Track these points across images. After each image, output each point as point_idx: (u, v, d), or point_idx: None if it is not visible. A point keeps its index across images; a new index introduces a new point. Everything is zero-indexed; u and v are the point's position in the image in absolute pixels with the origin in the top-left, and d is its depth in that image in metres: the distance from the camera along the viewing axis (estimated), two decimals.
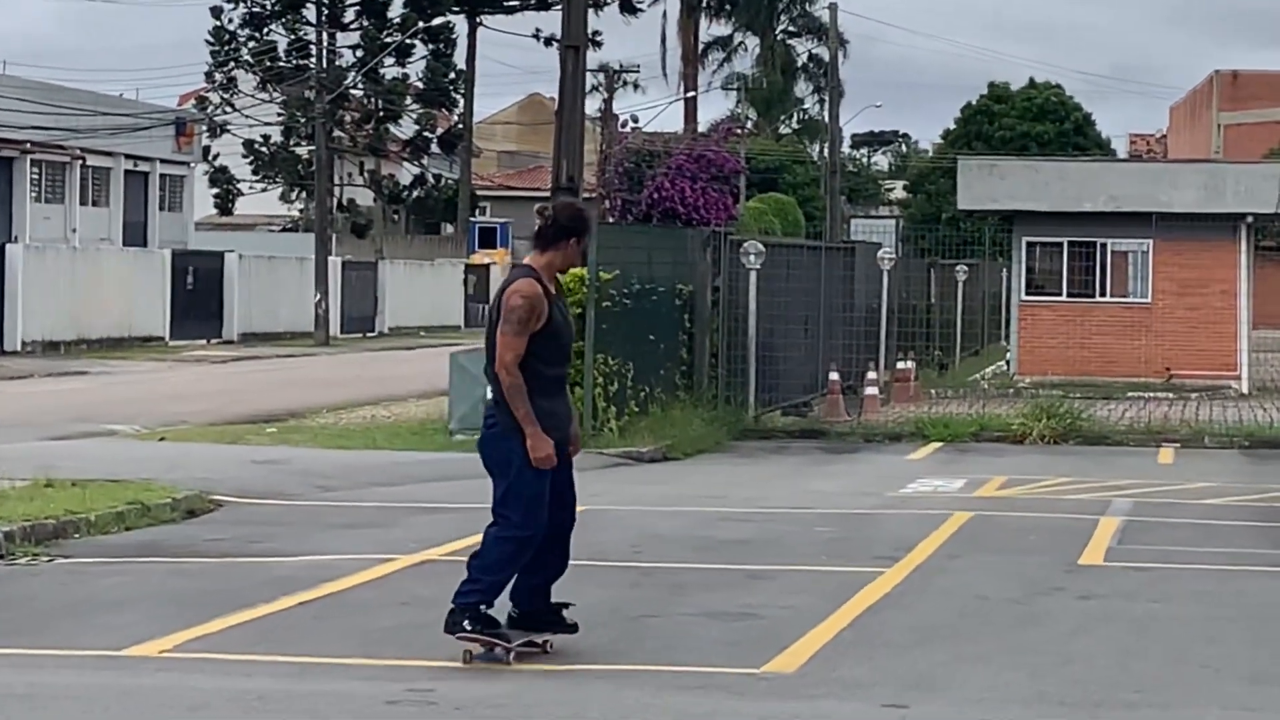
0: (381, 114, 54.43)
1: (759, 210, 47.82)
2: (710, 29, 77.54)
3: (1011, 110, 62.68)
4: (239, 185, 54.94)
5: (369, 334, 54.26)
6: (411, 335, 54.14)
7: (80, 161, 51.58)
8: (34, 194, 50.29)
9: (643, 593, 10.97)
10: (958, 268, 34.85)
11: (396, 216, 69.13)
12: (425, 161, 58.64)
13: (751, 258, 22.85)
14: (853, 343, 27.36)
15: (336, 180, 54.00)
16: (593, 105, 52.54)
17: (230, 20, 51.77)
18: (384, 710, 8.00)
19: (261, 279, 49.50)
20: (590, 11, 39.04)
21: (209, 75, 52.33)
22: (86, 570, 11.75)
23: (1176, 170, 32.00)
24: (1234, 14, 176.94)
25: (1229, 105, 67.26)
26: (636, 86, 70.15)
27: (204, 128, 54.06)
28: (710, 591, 11.02)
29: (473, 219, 68.47)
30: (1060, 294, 30.29)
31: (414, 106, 55.68)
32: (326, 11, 51.45)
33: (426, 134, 56.85)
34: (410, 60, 54.69)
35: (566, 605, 9.21)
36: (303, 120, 51.93)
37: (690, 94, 72.21)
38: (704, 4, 75.51)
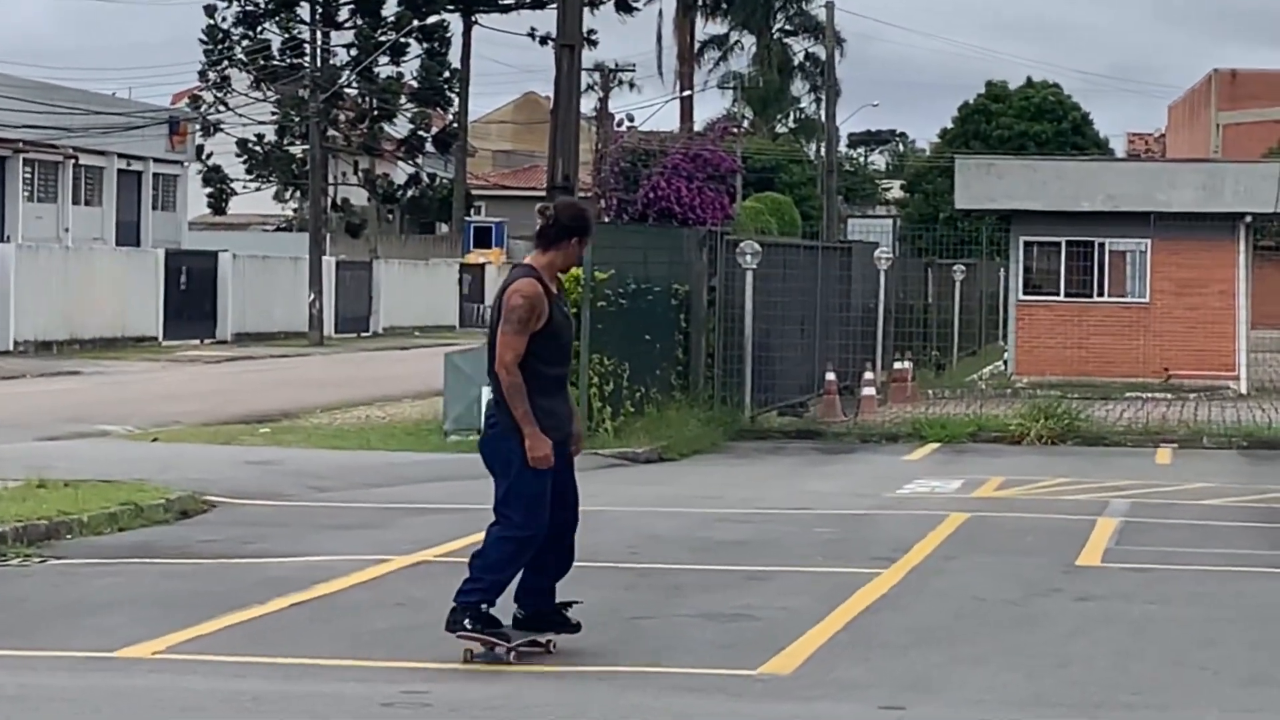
0: (376, 113, 54.37)
1: (755, 210, 47.75)
2: (706, 28, 77.59)
3: (1009, 109, 62.64)
4: (233, 185, 54.84)
5: (363, 334, 54.20)
6: (406, 335, 54.09)
7: (73, 160, 51.51)
8: (26, 193, 50.22)
9: (639, 594, 10.95)
10: (955, 267, 34.80)
11: (391, 216, 69.07)
12: (420, 161, 58.59)
13: (748, 257, 22.80)
14: (849, 343, 27.32)
15: (331, 180, 53.92)
16: (588, 104, 52.49)
17: (224, 19, 51.71)
18: (379, 712, 7.97)
19: (255, 279, 49.43)
20: (586, 10, 39.02)
21: (202, 74, 52.24)
22: (79, 571, 11.73)
23: (1175, 170, 31.97)
24: (1232, 13, 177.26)
25: (1227, 104, 67.24)
26: (632, 85, 70.11)
27: (197, 127, 53.96)
28: (707, 593, 11.01)
29: (468, 218, 68.42)
30: (1058, 294, 30.24)
31: (409, 105, 55.62)
32: (321, 10, 51.38)
33: (421, 133, 56.77)
34: (405, 59, 54.65)
35: (571, 604, 9.21)
36: (297, 119, 51.86)
37: (686, 93, 72.18)
38: (700, 3, 75.49)
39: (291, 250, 53.59)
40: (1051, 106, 62.81)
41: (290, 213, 68.96)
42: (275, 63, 51.61)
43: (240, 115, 51.25)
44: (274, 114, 53.03)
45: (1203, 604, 10.87)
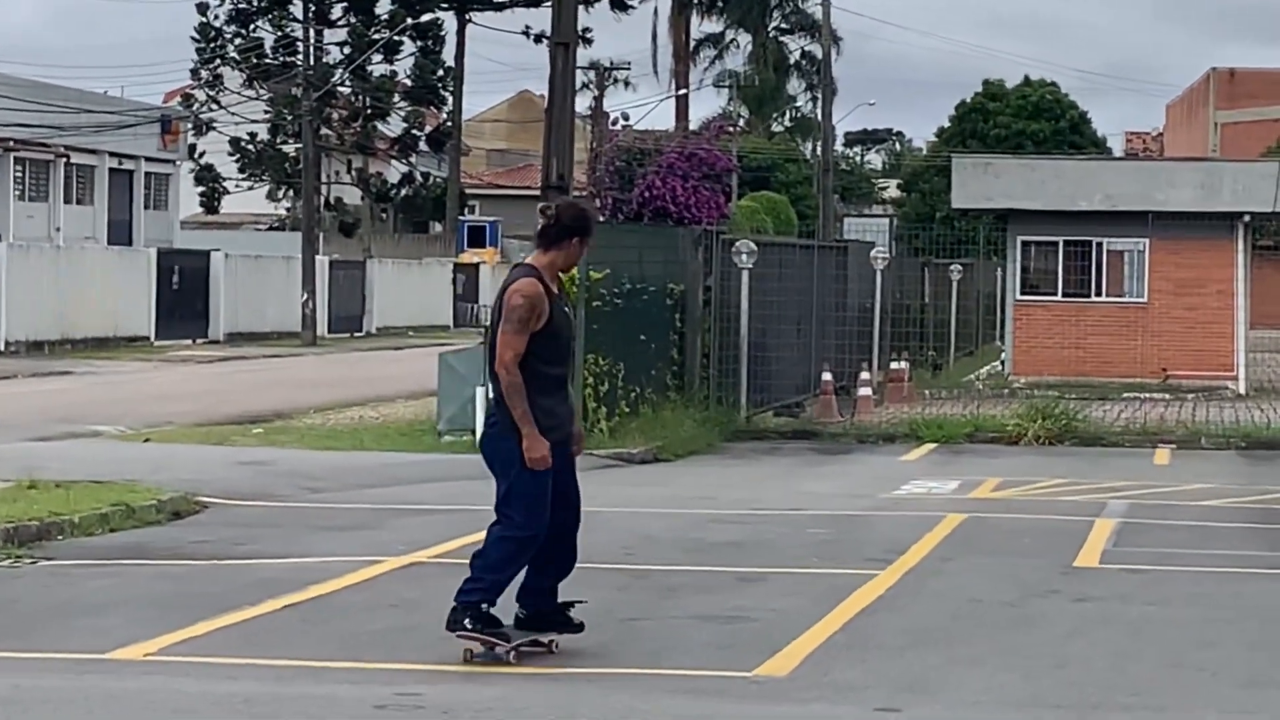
0: (369, 111, 54.29)
1: (751, 209, 47.73)
2: (702, 26, 77.59)
3: (1006, 108, 62.55)
4: (225, 183, 54.76)
5: (357, 334, 54.13)
6: (400, 335, 54.03)
7: (64, 159, 51.41)
8: (17, 192, 50.14)
9: (634, 595, 10.92)
10: (952, 267, 34.75)
11: (384, 215, 69.02)
12: (414, 159, 58.49)
13: (744, 257, 22.75)
14: (846, 343, 27.27)
15: (324, 178, 53.84)
16: (583, 103, 52.56)
17: (216, 17, 51.60)
18: (372, 714, 7.95)
19: (248, 278, 49.35)
20: (581, 8, 38.93)
21: (195, 72, 52.15)
22: (71, 572, 11.69)
23: (1173, 169, 31.92)
24: (1231, 11, 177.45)
25: (1226, 103, 67.24)
26: (627, 84, 70.07)
27: (189, 125, 53.86)
28: (702, 594, 10.99)
29: (462, 218, 68.34)
30: (1055, 294, 30.18)
31: (402, 104, 55.54)
32: (314, 8, 51.28)
33: (415, 132, 56.69)
34: (399, 57, 54.55)
35: (573, 604, 9.22)
36: (290, 118, 51.77)
37: (682, 91, 72.15)
38: (695, 1, 75.45)
39: (284, 250, 53.51)
40: (1049, 105, 62.73)
41: (283, 212, 68.91)
42: (268, 61, 51.53)
43: (233, 114, 51.15)
44: (267, 112, 52.93)
45: (1201, 605, 10.85)
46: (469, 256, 64.00)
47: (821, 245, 30.98)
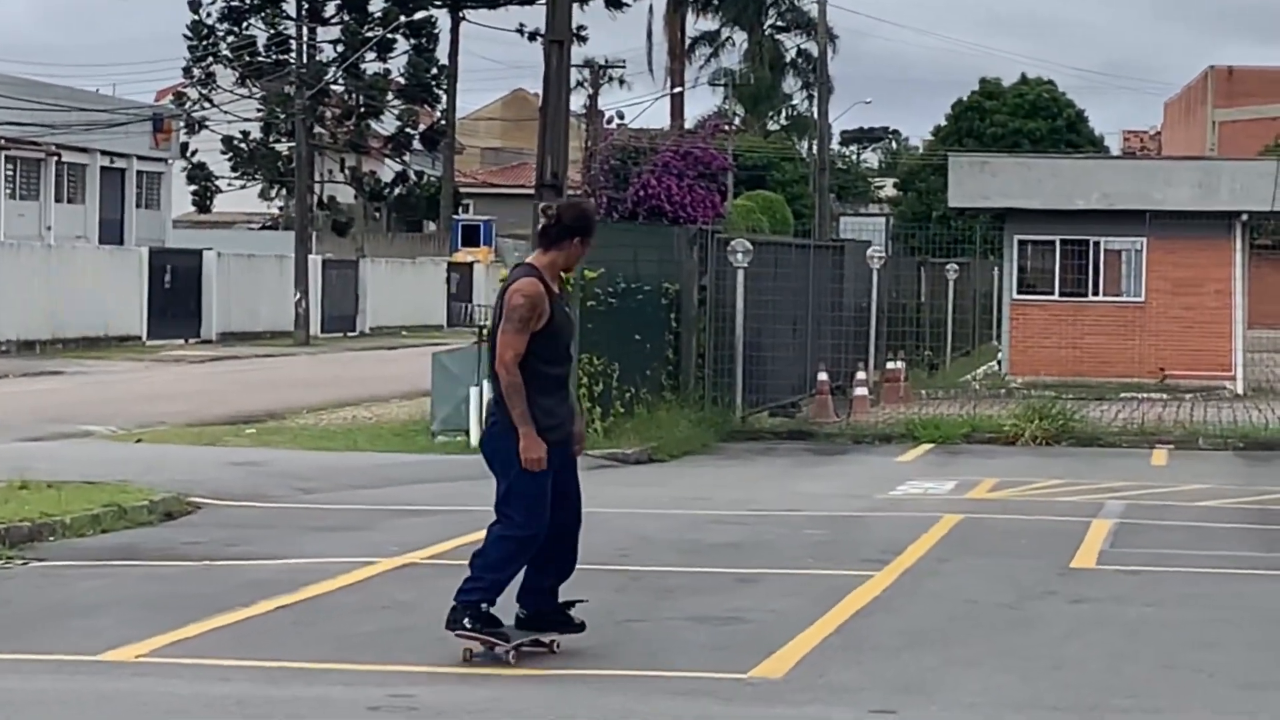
0: (363, 110, 54.25)
1: (747, 208, 47.65)
2: (697, 24, 77.53)
3: (1003, 107, 62.52)
4: (217, 182, 54.71)
5: (350, 333, 54.06)
6: (393, 335, 53.97)
7: (55, 158, 51.32)
8: (8, 190, 50.07)
9: (629, 597, 10.89)
10: (948, 266, 34.72)
11: (378, 214, 68.93)
12: (407, 158, 58.47)
13: (739, 256, 22.70)
14: (842, 342, 27.23)
15: (317, 177, 53.79)
16: (578, 101, 52.49)
17: (209, 14, 51.57)
18: (365, 716, 7.93)
19: (240, 277, 49.27)
20: (575, 6, 38.90)
21: (187, 70, 52.11)
22: (62, 574, 11.66)
23: (1170, 167, 31.89)
24: (1229, 10, 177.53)
25: (1224, 102, 67.22)
26: (622, 82, 70.18)
27: (182, 124, 53.80)
28: (697, 595, 10.96)
29: (455, 217, 68.24)
30: (1052, 293, 30.14)
31: (396, 102, 55.51)
32: (306, 6, 51.23)
33: (409, 130, 56.67)
34: (392, 55, 54.53)
35: (574, 603, 9.22)
36: (282, 116, 51.72)
37: (677, 90, 72.11)
38: None
39: (277, 249, 53.46)
40: (1046, 104, 62.68)
41: (276, 211, 68.82)
42: (261, 59, 51.48)
43: (225, 112, 51.12)
44: (259, 111, 52.88)
45: (1198, 606, 10.83)
46: (463, 256, 63.91)
47: (817, 244, 30.94)
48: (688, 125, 55.65)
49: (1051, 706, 8.20)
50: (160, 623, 9.77)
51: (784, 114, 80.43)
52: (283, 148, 53.53)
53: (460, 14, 64.25)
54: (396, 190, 60.10)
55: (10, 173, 50.14)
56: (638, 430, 20.36)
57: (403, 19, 53.67)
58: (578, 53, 55.34)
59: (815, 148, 62.97)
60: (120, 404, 26.50)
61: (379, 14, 53.29)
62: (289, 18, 51.38)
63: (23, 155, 50.30)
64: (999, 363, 31.78)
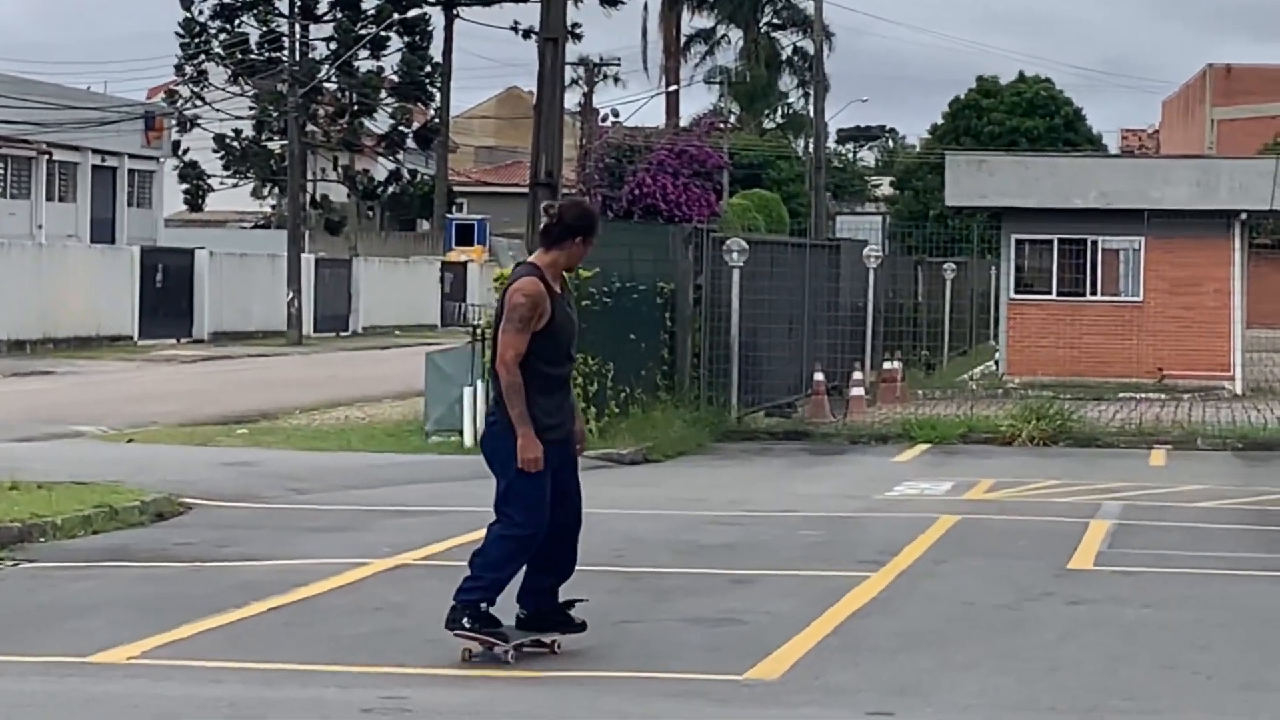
0: (356, 108, 54.22)
1: (742, 207, 47.65)
2: (692, 21, 77.50)
3: (1000, 105, 62.48)
4: (210, 181, 54.67)
5: (343, 333, 53.99)
6: (386, 334, 53.91)
7: (47, 156, 51.21)
8: None
9: (624, 598, 10.85)
10: (945, 266, 34.68)
11: (371, 213, 68.89)
12: (401, 157, 58.45)
13: (734, 255, 22.66)
14: (838, 342, 27.18)
15: (310, 176, 53.78)
16: (572, 99, 52.33)
17: (201, 12, 51.52)
18: (358, 718, 7.91)
19: (233, 277, 49.20)
20: (570, 3, 38.84)
21: (179, 68, 52.05)
22: (53, 575, 11.62)
23: (1169, 166, 31.84)
24: (1227, 8, 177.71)
25: (1222, 100, 67.23)
26: (617, 80, 69.87)
27: (174, 122, 53.72)
28: (693, 596, 10.94)
29: (449, 215, 68.20)
30: (1050, 293, 30.09)
31: (389, 100, 55.47)
32: (299, 3, 51.15)
33: (402, 128, 56.63)
34: (385, 53, 54.53)
35: (574, 603, 9.21)
36: (275, 114, 51.66)
37: (672, 88, 72.07)
38: None
39: (270, 248, 53.36)
40: (1044, 102, 62.64)
41: (268, 209, 68.76)
42: (253, 57, 51.42)
43: (217, 110, 51.05)
44: (252, 109, 52.84)
45: (1196, 607, 10.80)
46: (457, 255, 63.83)
47: (814, 243, 30.85)
48: (683, 123, 55.69)
49: (1049, 708, 8.18)
50: (152, 624, 9.73)
51: (780, 112, 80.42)
52: (275, 146, 53.48)
53: (454, 11, 64.23)
54: (390, 189, 60.07)
55: (1, 171, 50.04)
56: (633, 430, 20.32)
57: (396, 16, 53.63)
58: (572, 50, 55.31)
59: (811, 146, 62.87)
60: (112, 404, 26.44)
61: (372, 11, 53.25)
62: (282, 15, 51.31)
63: (14, 153, 50.20)
64: (996, 362, 31.74)
